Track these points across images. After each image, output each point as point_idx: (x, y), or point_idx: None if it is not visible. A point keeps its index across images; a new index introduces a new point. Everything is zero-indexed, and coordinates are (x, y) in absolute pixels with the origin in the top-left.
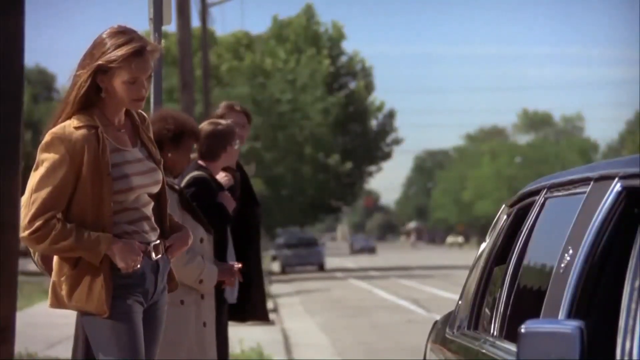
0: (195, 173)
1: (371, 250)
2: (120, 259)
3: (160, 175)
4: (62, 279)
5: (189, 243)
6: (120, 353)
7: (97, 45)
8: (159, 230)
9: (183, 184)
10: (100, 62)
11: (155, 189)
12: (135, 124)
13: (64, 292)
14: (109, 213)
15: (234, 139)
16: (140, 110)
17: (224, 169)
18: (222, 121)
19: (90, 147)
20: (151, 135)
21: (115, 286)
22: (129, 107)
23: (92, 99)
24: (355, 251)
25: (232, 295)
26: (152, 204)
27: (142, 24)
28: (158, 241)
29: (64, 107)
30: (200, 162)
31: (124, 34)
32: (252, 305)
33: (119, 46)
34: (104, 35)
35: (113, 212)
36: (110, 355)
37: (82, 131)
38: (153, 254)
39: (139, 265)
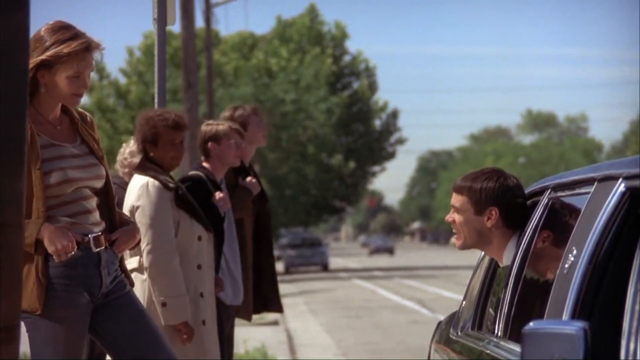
0: (191, 172)
1: (389, 251)
2: (49, 242)
3: (102, 171)
4: None
5: (137, 238)
6: (55, 350)
7: (37, 40)
8: (103, 224)
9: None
10: (45, 56)
11: (98, 184)
12: (74, 121)
13: None
14: (42, 209)
15: (220, 138)
16: (83, 111)
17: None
18: (212, 121)
19: None
20: (94, 133)
21: (51, 280)
22: (67, 102)
23: (30, 94)
24: (371, 252)
25: (225, 295)
26: (96, 199)
27: (146, 25)
28: (99, 233)
29: None
30: (203, 163)
31: (68, 30)
32: (264, 299)
33: (64, 41)
34: (43, 31)
35: (50, 207)
36: (44, 352)
37: None
38: (93, 246)
39: (72, 252)
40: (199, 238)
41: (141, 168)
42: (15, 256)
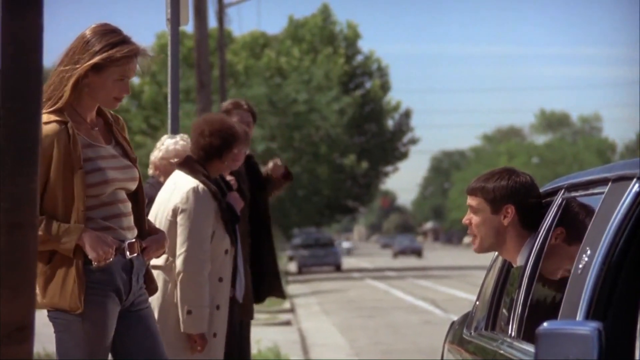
0: None
1: (417, 252)
2: (91, 249)
3: (136, 173)
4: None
5: (166, 247)
6: (85, 352)
7: (87, 42)
8: (136, 230)
9: None
10: (97, 59)
11: (132, 186)
12: (108, 123)
13: (37, 289)
14: (82, 208)
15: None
16: (115, 113)
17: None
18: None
19: (60, 142)
20: (126, 135)
21: (87, 282)
22: (107, 105)
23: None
24: (396, 253)
25: (240, 293)
26: (130, 203)
27: (159, 25)
28: (133, 239)
29: (52, 101)
30: None
31: (116, 34)
32: (267, 284)
33: (116, 45)
34: (90, 35)
35: (89, 207)
36: (74, 354)
37: (51, 126)
38: (127, 252)
39: (111, 259)
40: (226, 252)
41: (190, 168)
42: (29, 256)
